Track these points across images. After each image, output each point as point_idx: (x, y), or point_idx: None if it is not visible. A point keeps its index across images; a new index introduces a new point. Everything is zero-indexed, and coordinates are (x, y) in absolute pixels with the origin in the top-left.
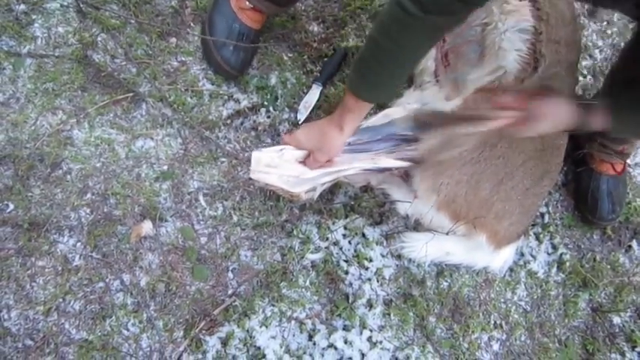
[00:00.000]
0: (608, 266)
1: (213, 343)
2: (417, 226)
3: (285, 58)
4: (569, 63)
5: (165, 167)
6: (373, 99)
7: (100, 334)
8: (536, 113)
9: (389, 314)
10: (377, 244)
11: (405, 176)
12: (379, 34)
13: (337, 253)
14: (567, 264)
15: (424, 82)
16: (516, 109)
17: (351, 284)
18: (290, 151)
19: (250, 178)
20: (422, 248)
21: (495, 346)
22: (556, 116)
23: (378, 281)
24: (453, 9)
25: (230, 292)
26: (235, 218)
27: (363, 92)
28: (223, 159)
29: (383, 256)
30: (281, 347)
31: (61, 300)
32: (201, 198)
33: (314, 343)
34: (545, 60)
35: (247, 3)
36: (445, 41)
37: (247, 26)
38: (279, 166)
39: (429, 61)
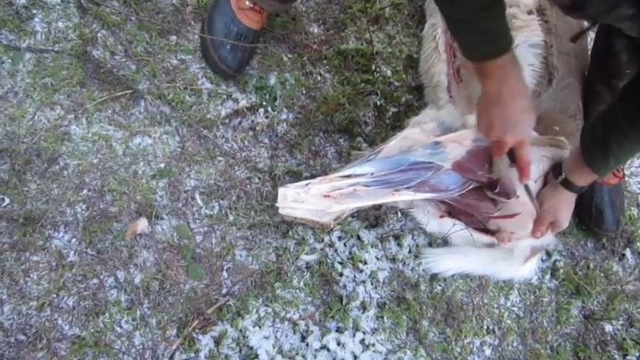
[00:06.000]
0: (602, 274)
1: (206, 342)
2: (433, 240)
3: (285, 58)
4: (580, 72)
5: (163, 165)
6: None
7: (92, 330)
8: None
9: (382, 317)
10: (372, 246)
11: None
12: None
13: (332, 255)
14: (561, 271)
15: (438, 98)
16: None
17: (345, 286)
18: (316, 185)
19: (279, 214)
20: (444, 262)
21: (487, 351)
22: (568, 206)
23: (372, 284)
24: None
25: (224, 291)
26: (231, 217)
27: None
28: (220, 158)
29: (378, 258)
30: (274, 348)
31: (54, 295)
32: (197, 196)
33: (307, 344)
34: (559, 72)
35: (247, 3)
36: (456, 57)
37: (246, 26)
38: (305, 201)
39: (442, 77)
